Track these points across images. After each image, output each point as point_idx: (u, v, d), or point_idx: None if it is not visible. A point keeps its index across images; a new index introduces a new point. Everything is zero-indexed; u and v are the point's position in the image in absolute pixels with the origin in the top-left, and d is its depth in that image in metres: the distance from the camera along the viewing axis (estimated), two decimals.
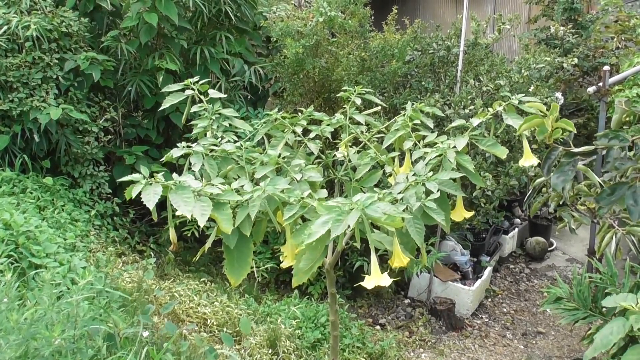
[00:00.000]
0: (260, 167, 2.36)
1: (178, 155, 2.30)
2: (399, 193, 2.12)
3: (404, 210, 1.97)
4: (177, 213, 2.01)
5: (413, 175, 2.18)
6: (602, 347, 2.74)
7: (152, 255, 5.21)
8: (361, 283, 1.96)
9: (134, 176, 1.95)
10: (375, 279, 1.92)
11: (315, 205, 1.96)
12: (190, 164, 2.31)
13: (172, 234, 2.22)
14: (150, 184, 1.93)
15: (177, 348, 3.07)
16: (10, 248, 3.41)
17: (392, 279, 1.95)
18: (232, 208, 2.02)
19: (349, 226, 1.80)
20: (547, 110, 2.38)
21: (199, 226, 5.22)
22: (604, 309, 3.45)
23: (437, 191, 2.10)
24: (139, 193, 1.91)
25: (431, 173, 2.18)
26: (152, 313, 3.45)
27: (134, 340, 2.89)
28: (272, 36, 6.34)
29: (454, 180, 2.22)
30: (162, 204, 2.03)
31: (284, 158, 2.44)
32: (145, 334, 2.98)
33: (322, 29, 6.00)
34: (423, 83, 6.29)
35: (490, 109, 2.49)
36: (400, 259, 1.99)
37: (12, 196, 4.39)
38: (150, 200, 1.87)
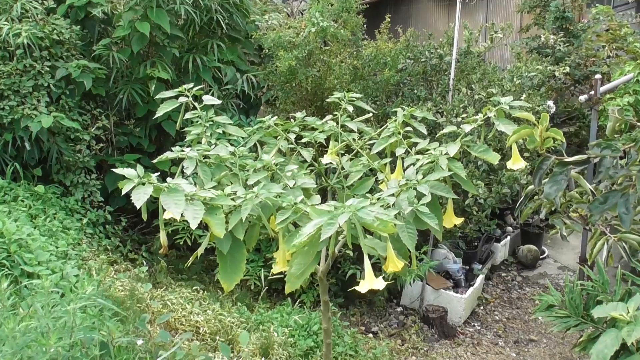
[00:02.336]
0: (253, 173, 2.36)
1: (172, 157, 2.29)
2: (390, 196, 2.11)
3: (396, 216, 1.97)
4: (167, 215, 1.99)
5: (405, 180, 2.18)
6: None
7: (145, 263, 5.19)
8: (355, 287, 1.95)
9: (128, 172, 1.92)
10: (369, 282, 1.91)
11: (309, 210, 1.96)
12: (183, 168, 2.31)
13: (163, 237, 2.21)
14: (143, 184, 1.90)
15: (172, 356, 3.05)
16: (2, 256, 3.39)
17: (386, 283, 1.94)
18: (226, 214, 2.01)
19: (342, 232, 1.79)
20: (538, 119, 2.38)
21: (191, 234, 5.27)
22: (596, 317, 3.45)
23: (429, 193, 2.09)
24: (130, 201, 1.89)
25: (422, 178, 2.18)
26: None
27: (127, 349, 2.87)
28: (264, 45, 6.34)
29: (445, 182, 2.22)
30: (155, 212, 2.02)
31: (277, 165, 2.44)
32: (140, 342, 2.96)
33: (314, 39, 6.01)
34: (415, 91, 6.31)
35: (480, 114, 2.49)
36: (394, 264, 1.98)
37: (3, 204, 4.38)
38: (139, 200, 1.85)
